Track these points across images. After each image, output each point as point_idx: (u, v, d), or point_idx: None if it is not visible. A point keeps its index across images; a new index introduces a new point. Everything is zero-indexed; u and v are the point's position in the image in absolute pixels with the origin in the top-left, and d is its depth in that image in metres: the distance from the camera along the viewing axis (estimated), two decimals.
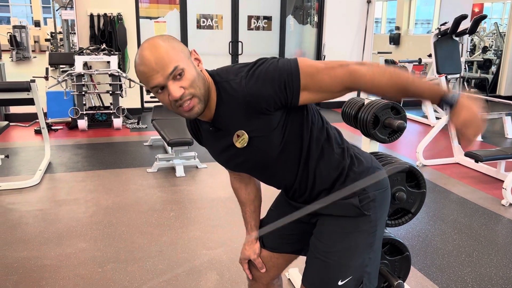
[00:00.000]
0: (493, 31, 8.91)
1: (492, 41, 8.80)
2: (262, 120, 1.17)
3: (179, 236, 2.77)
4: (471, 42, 8.27)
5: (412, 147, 4.73)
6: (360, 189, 1.27)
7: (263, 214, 1.60)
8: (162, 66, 1.09)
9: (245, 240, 1.57)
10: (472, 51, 8.67)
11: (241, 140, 1.21)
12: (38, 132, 5.12)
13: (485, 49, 8.58)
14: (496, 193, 3.58)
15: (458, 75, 6.66)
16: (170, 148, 4.15)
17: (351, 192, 1.28)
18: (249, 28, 6.93)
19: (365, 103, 1.99)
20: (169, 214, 3.11)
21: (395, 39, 10.49)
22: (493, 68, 8.44)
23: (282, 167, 1.28)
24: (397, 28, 10.86)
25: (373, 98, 1.96)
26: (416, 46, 9.78)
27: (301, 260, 1.60)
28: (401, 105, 1.92)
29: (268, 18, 7.00)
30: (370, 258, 1.32)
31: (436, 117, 6.09)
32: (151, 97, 5.10)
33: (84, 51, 5.51)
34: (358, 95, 7.07)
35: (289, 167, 1.28)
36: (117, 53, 5.72)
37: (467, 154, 3.82)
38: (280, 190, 1.55)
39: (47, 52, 7.53)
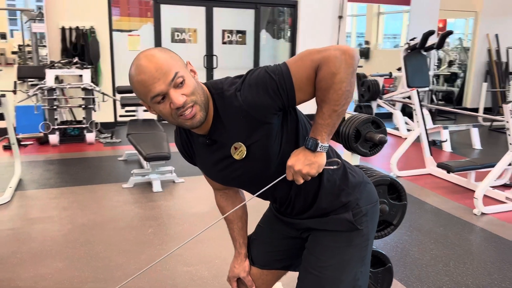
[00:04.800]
0: (457, 46, 9.28)
1: (456, 55, 9.15)
2: (260, 130, 1.17)
3: (159, 253, 2.72)
4: (437, 56, 8.58)
5: (386, 159, 4.83)
6: (353, 203, 1.29)
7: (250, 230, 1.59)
8: (163, 73, 1.08)
9: (233, 258, 1.55)
10: (439, 65, 8.98)
11: (239, 152, 1.20)
12: (7, 147, 4.95)
13: (450, 63, 8.92)
14: (468, 203, 3.70)
15: (427, 88, 6.89)
16: (146, 162, 4.09)
17: (344, 206, 1.29)
18: (223, 42, 6.97)
19: (345, 118, 2.04)
20: (147, 230, 3.05)
21: (365, 53, 10.75)
22: (459, 81, 8.77)
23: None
24: (367, 42, 11.15)
25: (353, 113, 2.01)
26: (385, 60, 10.05)
27: (286, 275, 1.61)
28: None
29: (242, 32, 7.06)
30: (362, 271, 1.34)
31: (407, 129, 6.25)
32: (126, 111, 5.03)
33: (56, 64, 5.40)
34: None
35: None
36: (90, 66, 5.63)
37: (439, 165, 3.94)
38: (268, 206, 1.55)
39: (15, 65, 7.31)
